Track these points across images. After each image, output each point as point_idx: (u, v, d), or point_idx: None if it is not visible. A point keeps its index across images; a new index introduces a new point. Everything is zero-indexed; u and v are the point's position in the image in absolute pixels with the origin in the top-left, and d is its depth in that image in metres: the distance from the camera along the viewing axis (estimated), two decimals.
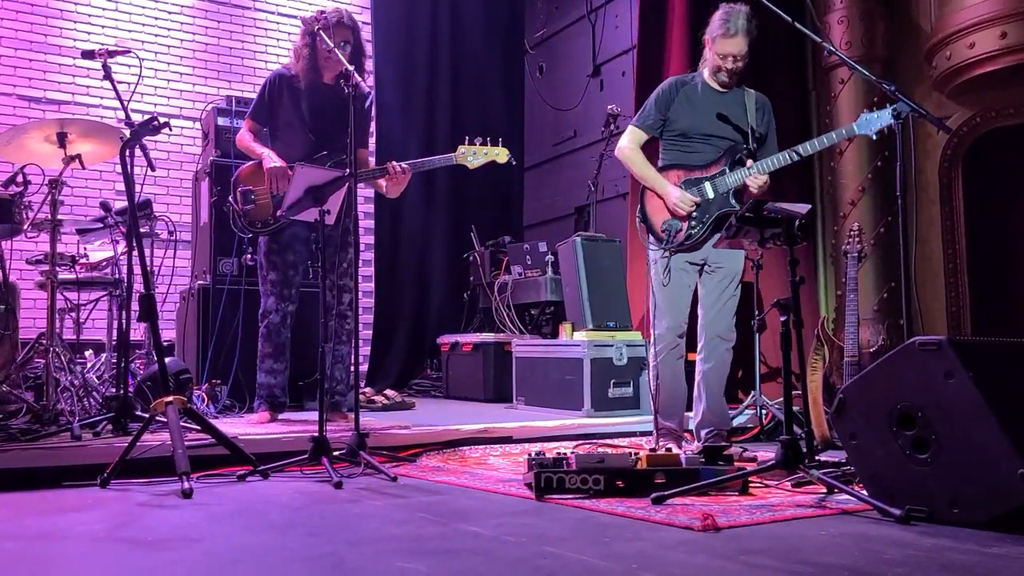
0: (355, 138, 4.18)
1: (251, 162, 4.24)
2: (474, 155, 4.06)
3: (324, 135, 4.18)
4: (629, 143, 3.77)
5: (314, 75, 4.16)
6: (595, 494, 2.69)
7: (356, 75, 3.52)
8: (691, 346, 3.81)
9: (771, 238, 2.99)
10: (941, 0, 4.48)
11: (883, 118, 3.21)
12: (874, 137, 3.35)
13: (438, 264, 7.42)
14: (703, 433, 3.66)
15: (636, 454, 2.88)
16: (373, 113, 4.08)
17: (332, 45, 3.84)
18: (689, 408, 3.76)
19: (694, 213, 3.55)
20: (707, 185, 3.56)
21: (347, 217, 4.03)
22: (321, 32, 3.93)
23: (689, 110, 3.66)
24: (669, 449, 3.19)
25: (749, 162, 3.52)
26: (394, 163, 4.06)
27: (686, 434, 3.79)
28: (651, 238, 3.67)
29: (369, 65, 4.12)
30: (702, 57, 3.75)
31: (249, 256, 5.00)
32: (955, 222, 4.67)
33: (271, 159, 4.09)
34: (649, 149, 3.82)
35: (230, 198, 4.23)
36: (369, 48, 7.53)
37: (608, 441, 4.10)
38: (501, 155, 4.09)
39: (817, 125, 5.14)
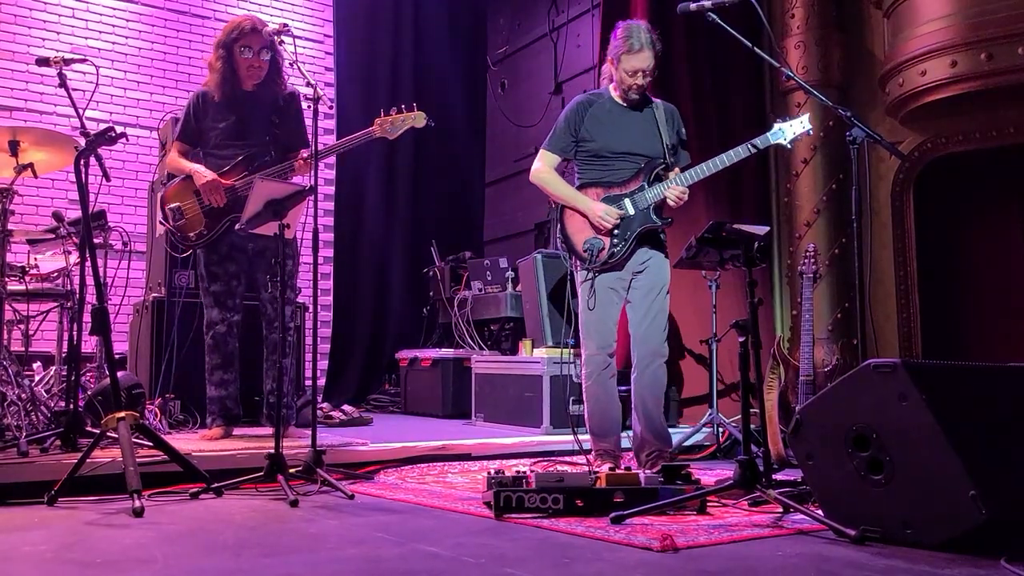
0: (297, 138, 4.17)
1: (175, 180, 4.16)
2: (392, 125, 4.00)
3: (255, 143, 4.13)
4: (543, 165, 3.71)
5: (232, 86, 4.12)
6: (554, 513, 2.69)
7: (320, 91, 3.54)
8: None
9: (730, 259, 3.03)
10: (894, 29, 4.60)
11: (797, 127, 3.37)
12: (789, 147, 3.46)
13: (398, 279, 7.38)
14: (643, 456, 3.59)
15: (595, 472, 2.89)
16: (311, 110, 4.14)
17: (252, 53, 3.95)
18: (626, 428, 3.74)
19: (615, 230, 3.53)
20: (627, 201, 3.55)
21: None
22: (240, 42, 3.96)
23: (600, 129, 3.64)
24: (613, 469, 3.18)
25: (671, 174, 3.55)
26: (300, 160, 4.06)
27: (625, 453, 3.76)
28: (574, 259, 3.62)
29: (297, 70, 4.14)
30: (603, 75, 3.76)
31: None
32: (907, 244, 4.78)
33: (202, 174, 4.02)
34: (564, 171, 3.80)
35: (159, 219, 4.17)
36: (330, 61, 7.56)
37: (567, 459, 4.10)
38: (418, 119, 4.03)
39: (775, 148, 5.23)
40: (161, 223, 4.16)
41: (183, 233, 4.09)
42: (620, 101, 3.67)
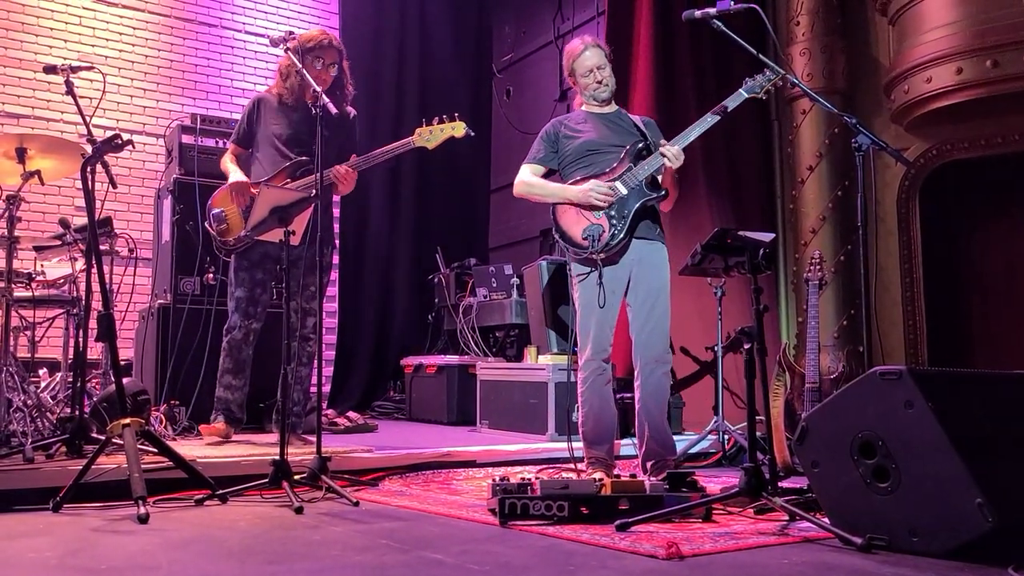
0: (346, 154, 4.20)
1: (224, 184, 4.24)
2: (431, 135, 4.03)
3: (304, 152, 4.15)
4: (524, 174, 3.74)
5: (300, 94, 4.17)
6: (559, 520, 2.68)
7: (324, 96, 3.55)
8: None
9: (735, 266, 3.02)
10: (900, 36, 4.60)
11: (765, 79, 3.41)
12: (763, 97, 3.49)
13: (403, 285, 7.39)
14: (648, 464, 3.58)
15: (600, 480, 2.88)
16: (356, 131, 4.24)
17: (322, 65, 4.01)
18: (624, 436, 3.73)
19: (612, 212, 3.50)
20: (618, 183, 3.52)
21: (325, 244, 4.01)
22: (313, 53, 4.00)
23: (577, 133, 3.69)
24: (617, 476, 3.17)
25: (663, 141, 3.53)
26: (338, 167, 4.07)
27: (619, 462, 3.74)
28: (574, 253, 3.57)
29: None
30: (574, 97, 3.84)
31: (211, 276, 4.95)
32: (912, 251, 4.78)
33: (235, 175, 4.11)
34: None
35: (205, 223, 4.23)
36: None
37: (572, 466, 4.09)
38: (458, 128, 4.05)
39: (780, 154, 5.23)
40: (205, 226, 4.25)
41: (223, 237, 4.16)
42: (591, 110, 3.74)
